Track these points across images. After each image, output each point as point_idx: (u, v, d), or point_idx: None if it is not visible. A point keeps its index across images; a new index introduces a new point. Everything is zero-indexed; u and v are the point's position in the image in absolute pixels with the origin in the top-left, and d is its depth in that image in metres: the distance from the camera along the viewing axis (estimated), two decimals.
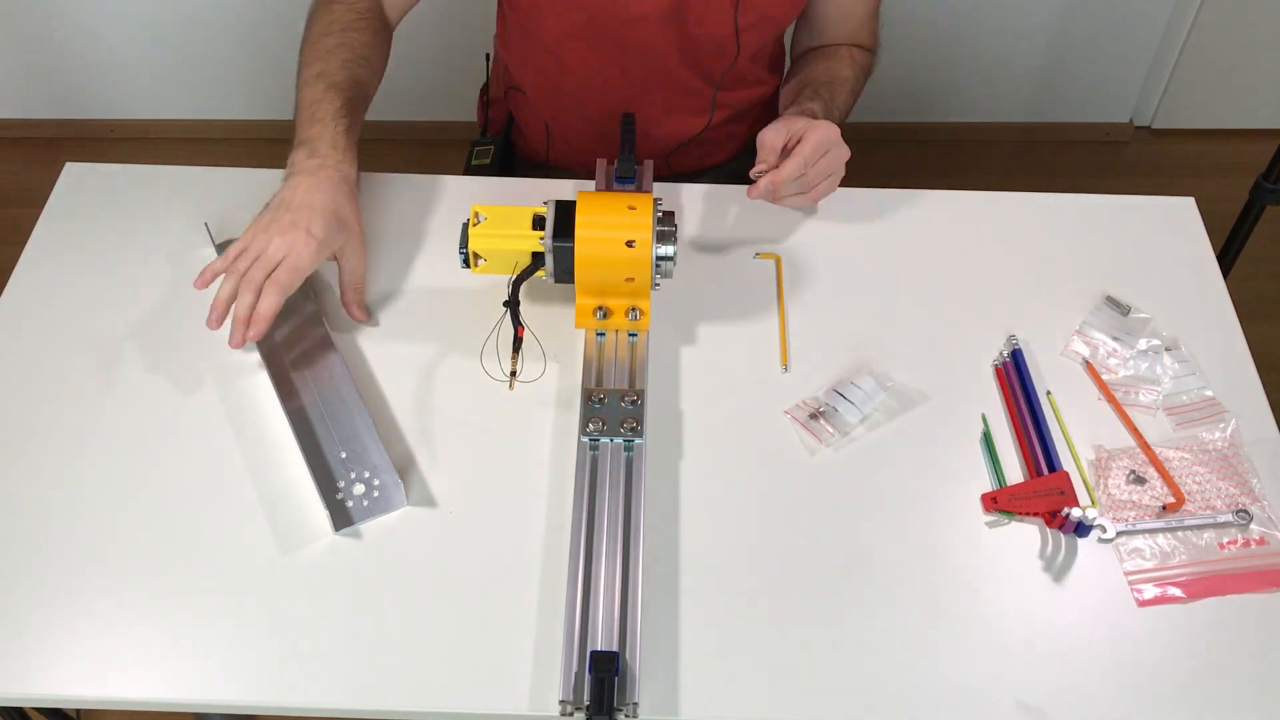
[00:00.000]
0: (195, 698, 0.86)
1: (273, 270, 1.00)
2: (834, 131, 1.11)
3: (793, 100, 1.23)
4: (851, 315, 1.11)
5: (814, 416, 1.02)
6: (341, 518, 0.94)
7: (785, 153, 1.11)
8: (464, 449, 1.00)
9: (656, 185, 1.17)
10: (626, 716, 0.82)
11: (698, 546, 0.94)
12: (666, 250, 1.01)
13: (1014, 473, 1.00)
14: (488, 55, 1.47)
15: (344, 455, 0.98)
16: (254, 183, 1.20)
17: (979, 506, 0.98)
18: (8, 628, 0.89)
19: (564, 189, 1.20)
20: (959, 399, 1.05)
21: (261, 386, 1.03)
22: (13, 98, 2.37)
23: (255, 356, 1.05)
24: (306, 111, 1.09)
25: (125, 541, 0.93)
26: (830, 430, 1.01)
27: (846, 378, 1.05)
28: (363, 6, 1.18)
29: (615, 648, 0.85)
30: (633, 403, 0.98)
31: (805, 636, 0.90)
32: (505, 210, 1.03)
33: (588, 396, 0.99)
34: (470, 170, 1.39)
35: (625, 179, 1.11)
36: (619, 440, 0.97)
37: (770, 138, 1.11)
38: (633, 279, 1.02)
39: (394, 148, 2.33)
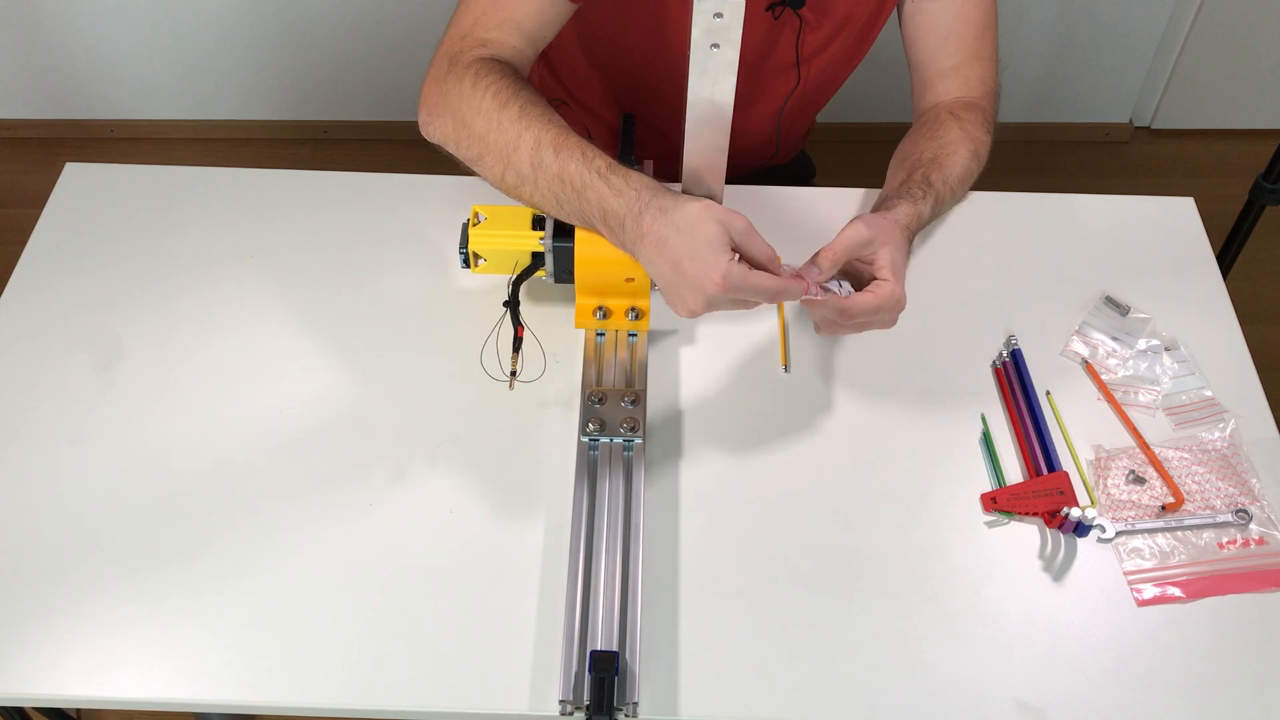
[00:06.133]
0: (195, 698, 0.86)
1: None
2: (898, 299, 0.95)
3: (900, 183, 1.08)
4: None
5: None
6: None
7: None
8: (464, 449, 1.00)
9: None
10: (626, 716, 0.82)
11: (698, 546, 0.95)
12: None
13: (1013, 473, 1.00)
14: None
15: None
16: (253, 183, 1.20)
17: (979, 506, 0.98)
18: (8, 628, 0.89)
19: None
20: (958, 399, 1.05)
21: (261, 386, 1.04)
22: (13, 98, 2.37)
23: (257, 359, 1.06)
24: (570, 186, 0.95)
25: (125, 541, 0.93)
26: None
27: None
28: (507, 73, 1.04)
29: (615, 648, 0.85)
30: (632, 403, 0.98)
31: (805, 636, 0.90)
32: (505, 210, 1.03)
33: (588, 396, 0.99)
34: None
35: None
36: (619, 440, 0.97)
37: (832, 257, 0.94)
38: (632, 279, 1.02)
39: (394, 148, 2.34)
